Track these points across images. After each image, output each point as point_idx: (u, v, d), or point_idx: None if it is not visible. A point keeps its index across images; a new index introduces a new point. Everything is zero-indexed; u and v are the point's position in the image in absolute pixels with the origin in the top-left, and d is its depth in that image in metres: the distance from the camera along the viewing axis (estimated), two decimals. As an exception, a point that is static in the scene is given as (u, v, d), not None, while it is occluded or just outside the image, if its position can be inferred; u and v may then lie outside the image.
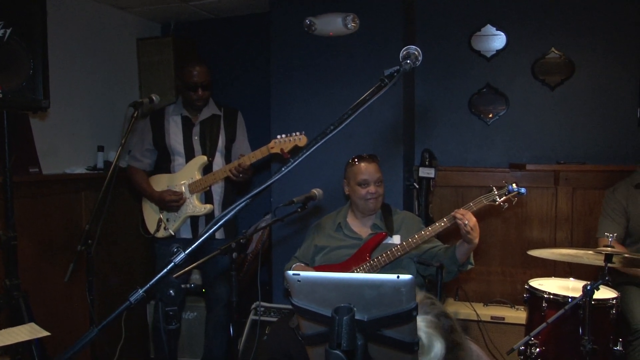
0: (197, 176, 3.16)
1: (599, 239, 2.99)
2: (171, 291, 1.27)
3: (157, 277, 1.23)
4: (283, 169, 1.28)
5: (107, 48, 3.96)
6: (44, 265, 3.18)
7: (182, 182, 3.19)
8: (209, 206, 3.19)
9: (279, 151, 2.86)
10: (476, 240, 2.39)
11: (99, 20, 3.88)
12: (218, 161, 3.26)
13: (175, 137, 3.25)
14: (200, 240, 1.26)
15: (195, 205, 3.17)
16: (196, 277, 3.86)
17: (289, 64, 3.55)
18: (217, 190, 3.29)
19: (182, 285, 1.32)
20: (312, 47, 3.49)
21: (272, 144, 2.89)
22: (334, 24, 3.40)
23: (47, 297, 3.17)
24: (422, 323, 1.36)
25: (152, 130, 3.29)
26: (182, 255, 1.25)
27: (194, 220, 3.26)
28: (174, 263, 1.25)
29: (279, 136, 2.87)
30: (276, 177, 1.29)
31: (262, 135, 3.50)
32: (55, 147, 3.49)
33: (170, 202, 3.15)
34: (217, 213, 3.25)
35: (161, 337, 3.30)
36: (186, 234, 3.27)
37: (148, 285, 1.22)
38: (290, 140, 2.85)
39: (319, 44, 3.47)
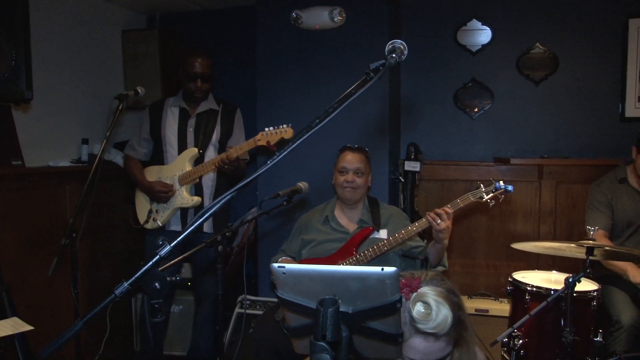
0: (188, 168, 3.15)
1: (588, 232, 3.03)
2: (156, 284, 1.26)
3: (142, 270, 1.23)
4: (269, 161, 1.28)
5: (92, 39, 3.91)
6: (28, 259, 3.15)
7: (173, 173, 3.18)
8: (196, 198, 3.18)
9: (265, 143, 2.86)
10: (445, 241, 2.45)
11: (84, 11, 3.82)
12: (210, 154, 3.24)
13: (170, 127, 3.25)
14: (185, 233, 1.26)
15: (183, 197, 3.16)
16: (184, 271, 3.84)
17: (275, 57, 3.55)
18: (208, 183, 3.27)
19: (168, 278, 1.31)
20: (299, 40, 3.48)
21: (258, 136, 2.89)
22: (321, 18, 3.40)
23: (30, 291, 3.14)
24: (431, 292, 1.38)
25: (149, 120, 3.29)
26: (168, 248, 1.25)
27: (184, 212, 3.25)
28: (159, 256, 1.25)
29: (266, 128, 2.87)
30: (262, 170, 1.29)
31: (248, 128, 3.49)
32: (39, 140, 3.45)
33: (159, 193, 3.15)
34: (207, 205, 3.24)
35: (147, 330, 3.29)
36: (176, 226, 3.26)
37: (133, 278, 1.22)
38: (276, 132, 2.85)
39: (306, 38, 3.47)
